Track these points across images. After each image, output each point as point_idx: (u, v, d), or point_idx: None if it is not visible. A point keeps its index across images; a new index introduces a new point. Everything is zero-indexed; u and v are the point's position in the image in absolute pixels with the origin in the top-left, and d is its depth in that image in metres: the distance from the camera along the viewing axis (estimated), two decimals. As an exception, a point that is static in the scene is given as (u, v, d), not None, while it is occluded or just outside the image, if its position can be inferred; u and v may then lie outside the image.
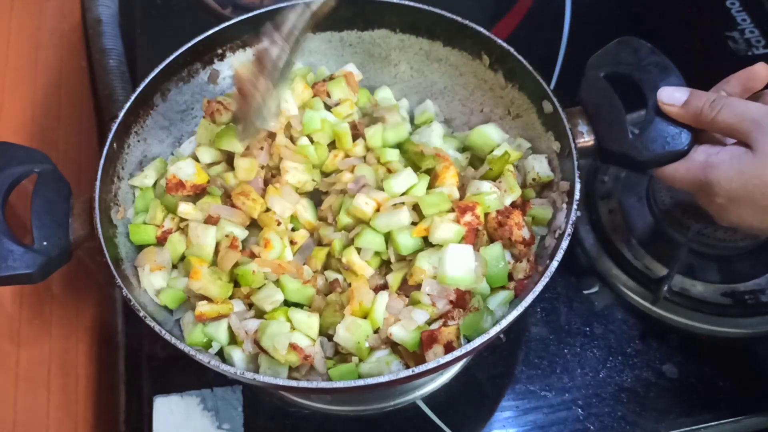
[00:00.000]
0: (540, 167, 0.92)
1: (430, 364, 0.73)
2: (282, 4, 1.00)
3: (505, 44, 0.95)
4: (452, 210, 0.87)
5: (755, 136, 0.75)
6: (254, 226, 0.92)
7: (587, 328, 1.06)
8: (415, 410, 1.00)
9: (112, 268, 0.82)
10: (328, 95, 1.00)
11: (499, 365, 1.03)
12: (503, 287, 0.85)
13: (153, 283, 0.88)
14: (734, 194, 0.77)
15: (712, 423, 0.98)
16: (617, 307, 1.07)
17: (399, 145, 0.97)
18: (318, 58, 1.07)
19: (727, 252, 1.08)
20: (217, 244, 0.87)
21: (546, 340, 1.05)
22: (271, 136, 0.95)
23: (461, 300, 0.82)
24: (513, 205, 0.90)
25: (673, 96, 0.83)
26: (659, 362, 1.02)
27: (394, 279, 0.86)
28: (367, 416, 1.00)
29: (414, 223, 0.87)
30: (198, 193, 0.93)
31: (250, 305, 0.87)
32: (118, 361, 1.18)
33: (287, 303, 0.86)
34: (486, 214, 0.87)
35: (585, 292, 1.09)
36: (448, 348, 0.77)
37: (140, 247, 0.92)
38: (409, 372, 0.72)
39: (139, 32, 1.35)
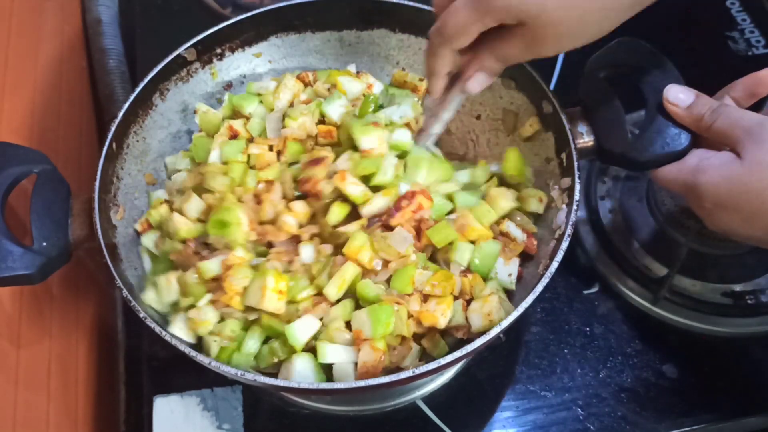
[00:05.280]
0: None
1: (430, 365, 0.72)
2: (281, 4, 1.01)
3: (504, 44, 0.95)
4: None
5: (745, 144, 0.75)
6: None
7: (587, 328, 1.06)
8: (415, 410, 1.00)
9: (112, 268, 0.81)
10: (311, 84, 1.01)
11: (499, 365, 1.03)
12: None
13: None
14: (720, 200, 0.76)
15: (712, 423, 0.98)
16: (617, 307, 1.07)
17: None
18: (317, 57, 1.07)
19: (727, 252, 1.08)
20: None
21: (546, 340, 1.05)
22: None
23: None
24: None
25: (678, 96, 0.82)
26: (659, 362, 1.02)
27: None
28: (367, 416, 1.00)
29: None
30: None
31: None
32: (118, 361, 1.18)
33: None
34: None
35: (585, 292, 1.09)
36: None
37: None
38: (409, 373, 0.72)
39: (139, 32, 1.35)
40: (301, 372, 0.79)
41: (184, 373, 1.00)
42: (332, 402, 1.01)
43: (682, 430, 0.98)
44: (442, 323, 0.81)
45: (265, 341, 0.83)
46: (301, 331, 0.80)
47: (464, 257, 0.85)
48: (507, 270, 0.87)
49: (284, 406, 1.01)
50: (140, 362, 1.04)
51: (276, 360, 0.81)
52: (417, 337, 0.84)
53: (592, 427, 0.98)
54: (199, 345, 0.84)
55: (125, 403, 1.15)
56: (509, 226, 0.89)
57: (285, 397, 1.01)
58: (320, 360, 0.80)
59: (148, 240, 0.91)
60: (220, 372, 0.75)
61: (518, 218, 0.90)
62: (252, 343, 0.82)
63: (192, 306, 0.83)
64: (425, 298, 0.83)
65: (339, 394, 0.92)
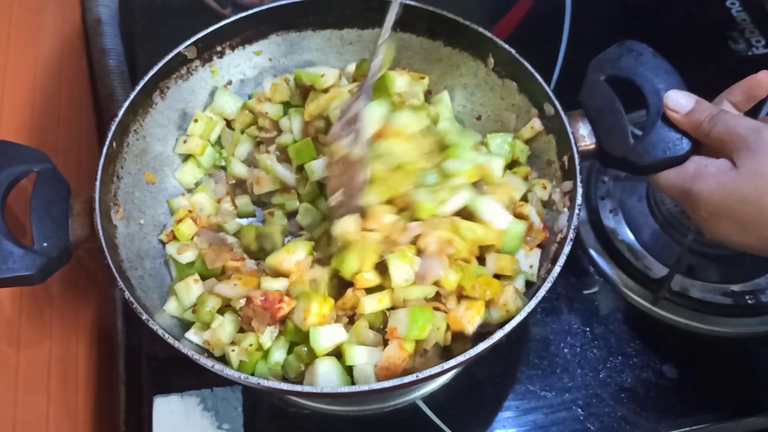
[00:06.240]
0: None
1: (433, 369, 0.73)
2: (282, 2, 1.01)
3: (506, 45, 0.95)
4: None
5: (740, 153, 0.76)
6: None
7: (587, 328, 1.06)
8: (415, 410, 1.00)
9: (113, 268, 0.81)
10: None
11: (500, 365, 1.03)
12: None
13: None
14: (715, 208, 0.77)
15: (712, 423, 0.98)
16: (617, 307, 1.07)
17: None
18: (317, 56, 1.07)
19: (727, 252, 1.08)
20: None
21: (546, 340, 1.05)
22: None
23: None
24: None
25: (678, 102, 0.82)
26: (659, 362, 1.02)
27: None
28: (367, 416, 1.00)
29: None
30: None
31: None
32: (118, 361, 1.18)
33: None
34: None
35: (585, 292, 1.09)
36: None
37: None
38: (412, 377, 0.72)
39: (139, 32, 1.35)
40: (326, 376, 0.80)
41: (184, 373, 1.00)
42: (333, 402, 1.01)
43: (682, 430, 0.98)
44: (469, 330, 0.81)
45: (290, 350, 0.84)
46: (325, 337, 0.80)
47: None
48: (528, 261, 0.87)
49: (284, 407, 1.01)
50: (140, 362, 1.04)
51: (303, 368, 0.82)
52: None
53: (592, 427, 0.98)
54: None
55: (125, 403, 1.15)
56: (530, 210, 0.89)
57: (285, 398, 1.01)
58: (348, 363, 0.80)
59: (173, 248, 0.92)
60: (223, 375, 0.75)
61: (534, 199, 0.91)
62: (278, 354, 0.83)
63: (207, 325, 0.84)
64: (458, 299, 0.82)
65: (344, 398, 0.92)
